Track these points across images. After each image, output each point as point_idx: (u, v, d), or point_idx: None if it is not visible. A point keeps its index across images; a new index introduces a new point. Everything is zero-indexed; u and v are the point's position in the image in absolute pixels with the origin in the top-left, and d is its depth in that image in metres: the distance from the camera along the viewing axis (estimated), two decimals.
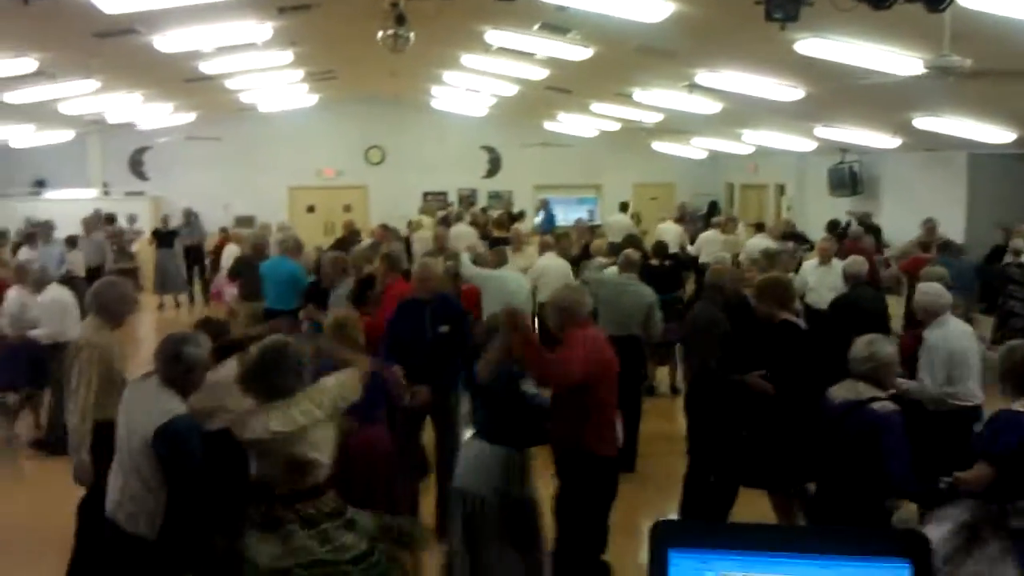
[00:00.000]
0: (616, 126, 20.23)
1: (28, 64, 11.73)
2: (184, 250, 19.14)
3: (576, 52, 12.40)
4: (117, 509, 4.49)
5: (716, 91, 13.43)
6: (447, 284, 8.68)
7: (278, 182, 23.95)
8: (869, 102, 12.62)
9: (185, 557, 4.26)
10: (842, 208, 17.63)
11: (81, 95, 14.98)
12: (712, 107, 14.81)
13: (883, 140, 15.24)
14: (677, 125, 18.55)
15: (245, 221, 22.92)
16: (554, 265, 11.29)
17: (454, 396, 6.92)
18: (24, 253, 13.80)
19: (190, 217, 19.59)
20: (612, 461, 5.43)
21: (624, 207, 20.11)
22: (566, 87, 16.44)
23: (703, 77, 12.76)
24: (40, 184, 22.76)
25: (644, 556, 1.69)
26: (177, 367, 4.44)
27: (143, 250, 19.98)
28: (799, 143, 17.79)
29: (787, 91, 12.43)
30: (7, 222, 17.60)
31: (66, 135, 21.40)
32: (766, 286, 6.45)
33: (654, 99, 15.31)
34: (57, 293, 9.67)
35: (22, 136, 19.83)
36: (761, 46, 10.28)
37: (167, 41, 11.71)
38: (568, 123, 22.19)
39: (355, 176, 24.75)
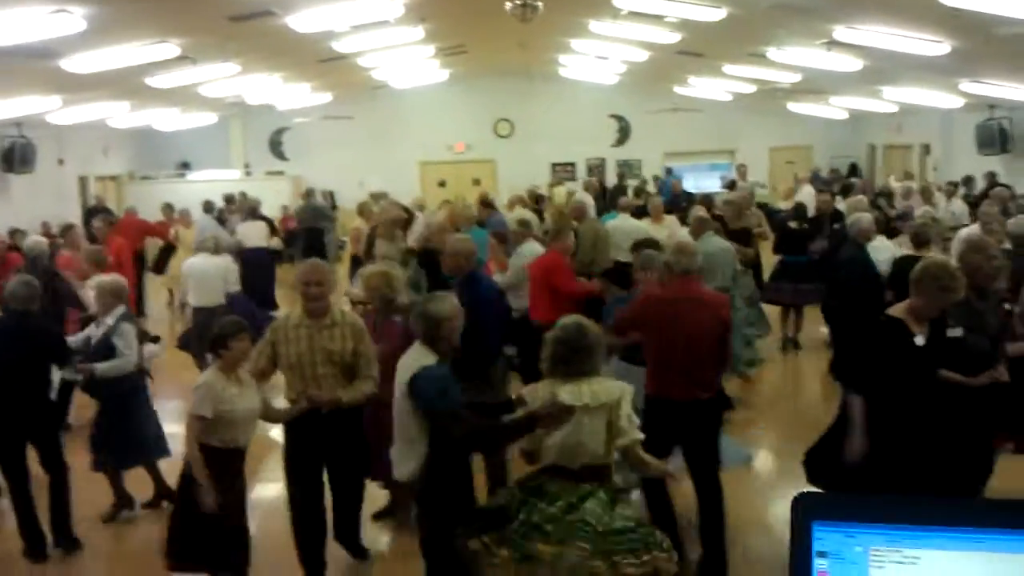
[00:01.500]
0: (751, 88, 19.72)
1: (170, 49, 12.14)
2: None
3: (708, 13, 12.10)
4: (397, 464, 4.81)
5: (856, 47, 12.92)
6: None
7: (410, 158, 24.32)
8: (1019, 54, 11.94)
9: (450, 510, 4.49)
10: (991, 167, 16.82)
11: (222, 78, 15.45)
12: (852, 64, 14.25)
13: None
14: (815, 85, 17.96)
15: (378, 197, 23.28)
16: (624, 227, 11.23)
17: (494, 368, 6.63)
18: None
19: (310, 199, 19.35)
20: (663, 403, 5.54)
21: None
22: (698, 50, 16.09)
23: (842, 33, 12.27)
24: (185, 166, 23.69)
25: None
26: (425, 324, 4.67)
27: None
28: (945, 100, 16.99)
29: (931, 45, 11.86)
30: (152, 203, 18.35)
31: (209, 118, 22.16)
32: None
33: (790, 58, 14.84)
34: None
35: (167, 119, 20.63)
36: None
37: (302, 21, 11.95)
38: (700, 87, 21.75)
39: (484, 150, 24.92)
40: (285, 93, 20.39)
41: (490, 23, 15.31)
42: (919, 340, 4.92)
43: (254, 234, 14.30)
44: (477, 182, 24.24)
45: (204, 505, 4.96)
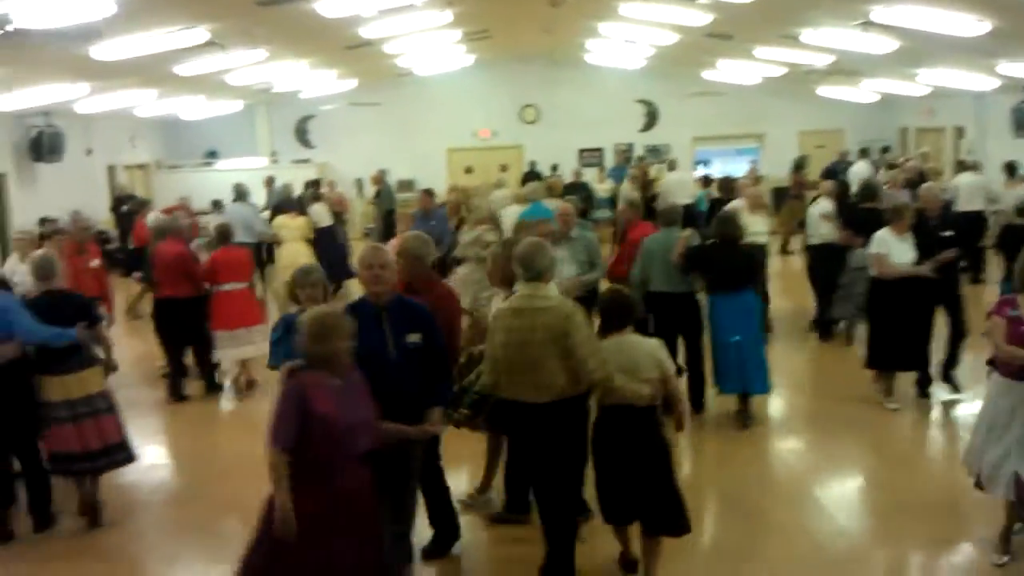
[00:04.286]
0: (781, 71, 19.45)
1: (199, 35, 12.04)
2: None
3: None
4: None
5: (892, 28, 12.68)
6: None
7: (436, 145, 24.18)
8: None
9: None
10: None
11: (249, 64, 15.36)
12: (887, 45, 14.00)
13: None
14: (847, 67, 17.69)
15: (405, 184, 23.25)
16: None
17: None
18: None
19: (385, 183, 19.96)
20: None
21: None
22: (728, 32, 15.85)
23: (879, 13, 12.05)
24: (212, 155, 23.63)
25: None
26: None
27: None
28: (979, 81, 16.69)
29: (971, 25, 11.62)
30: (180, 192, 18.38)
31: (235, 106, 22.11)
32: None
33: (824, 40, 14.58)
34: None
35: (193, 108, 20.56)
36: None
37: (330, 6, 11.83)
38: (728, 71, 21.49)
39: (510, 136, 24.74)
40: (311, 80, 20.29)
41: (517, 5, 15.16)
42: None
43: (324, 214, 14.59)
44: (504, 168, 24.08)
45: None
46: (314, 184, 18.72)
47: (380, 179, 20.01)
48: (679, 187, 16.79)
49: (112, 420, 6.59)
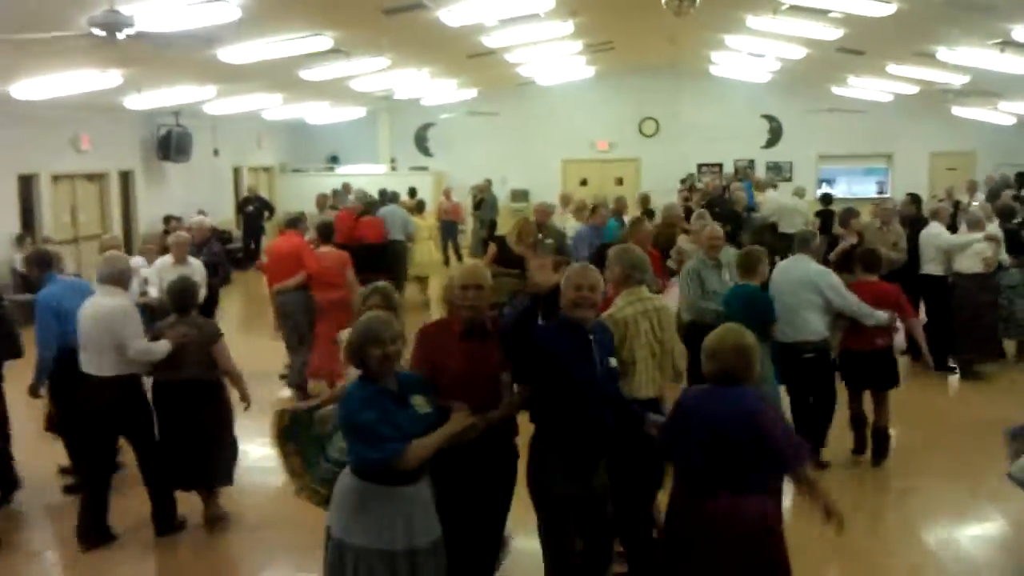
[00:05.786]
0: (913, 89, 18.75)
1: (323, 42, 12.22)
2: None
3: (877, 8, 11.45)
4: None
5: None
6: None
7: (552, 155, 24.11)
8: None
9: None
10: None
11: (372, 72, 15.55)
12: None
13: None
14: (984, 87, 16.93)
15: (520, 194, 23.26)
16: None
17: None
18: None
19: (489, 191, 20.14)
20: None
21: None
22: (860, 48, 15.35)
23: (1021, 32, 11.47)
24: (334, 159, 24.05)
25: None
26: None
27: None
28: None
29: None
30: (303, 194, 18.73)
31: (358, 112, 22.46)
32: None
33: (960, 58, 13.98)
34: None
35: (318, 113, 20.96)
36: None
37: (453, 15, 11.86)
38: (859, 87, 20.84)
39: (628, 148, 24.50)
40: (432, 88, 20.46)
41: (641, 17, 14.95)
42: None
43: None
44: (620, 181, 23.88)
45: None
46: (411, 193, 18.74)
47: (486, 188, 20.05)
48: (787, 212, 15.69)
49: None
